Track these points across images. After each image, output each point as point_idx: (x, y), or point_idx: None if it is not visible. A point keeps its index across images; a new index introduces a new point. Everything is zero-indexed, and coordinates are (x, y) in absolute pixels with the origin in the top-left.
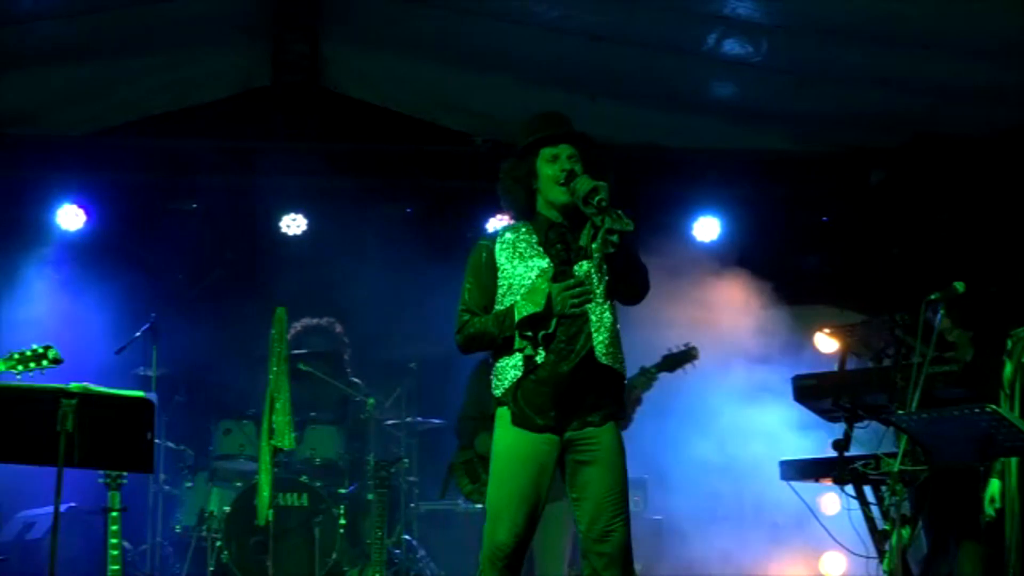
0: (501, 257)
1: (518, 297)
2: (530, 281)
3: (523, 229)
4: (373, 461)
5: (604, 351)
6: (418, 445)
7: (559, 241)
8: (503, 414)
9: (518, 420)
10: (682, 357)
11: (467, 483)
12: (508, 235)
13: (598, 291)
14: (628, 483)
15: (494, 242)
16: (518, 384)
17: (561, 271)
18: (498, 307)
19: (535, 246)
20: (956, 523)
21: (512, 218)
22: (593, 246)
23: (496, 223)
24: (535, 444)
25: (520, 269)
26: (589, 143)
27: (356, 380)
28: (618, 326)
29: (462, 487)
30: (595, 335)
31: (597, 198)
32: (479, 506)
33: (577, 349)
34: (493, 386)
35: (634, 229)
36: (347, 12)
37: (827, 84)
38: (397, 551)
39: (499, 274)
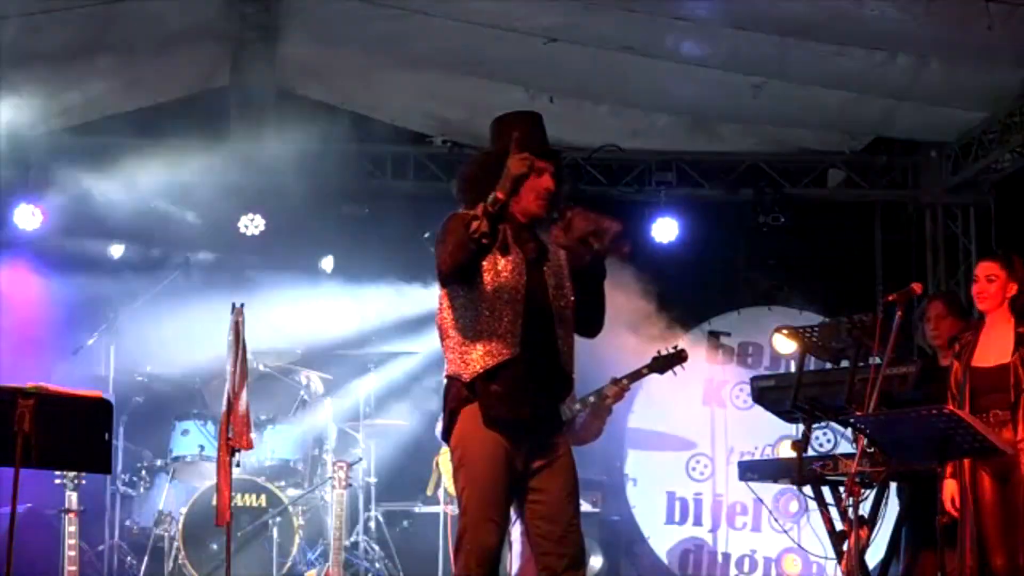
0: None
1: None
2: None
3: None
4: (331, 462)
5: (565, 360)
6: (376, 446)
7: (531, 241)
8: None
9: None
10: (673, 359)
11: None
12: None
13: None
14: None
15: None
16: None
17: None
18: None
19: (508, 240)
20: (913, 525)
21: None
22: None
23: None
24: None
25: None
26: (560, 157)
27: (314, 380)
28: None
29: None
30: (560, 342)
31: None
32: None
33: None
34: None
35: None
36: (306, 14)
37: (785, 86)
38: (355, 552)
39: None
